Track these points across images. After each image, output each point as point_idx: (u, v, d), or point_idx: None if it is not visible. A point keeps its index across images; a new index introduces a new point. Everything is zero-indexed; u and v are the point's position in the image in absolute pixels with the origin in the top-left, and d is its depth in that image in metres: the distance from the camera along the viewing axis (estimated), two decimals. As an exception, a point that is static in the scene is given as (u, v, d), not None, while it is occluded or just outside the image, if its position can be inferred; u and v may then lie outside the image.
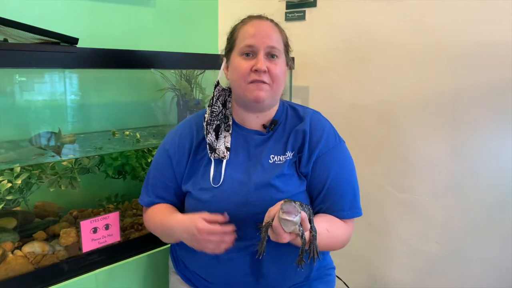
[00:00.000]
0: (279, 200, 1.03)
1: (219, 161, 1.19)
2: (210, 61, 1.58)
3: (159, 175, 1.25)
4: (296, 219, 0.96)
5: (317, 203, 1.20)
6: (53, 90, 1.58)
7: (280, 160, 1.18)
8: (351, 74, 1.95)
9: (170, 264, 1.34)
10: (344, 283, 1.99)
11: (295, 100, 2.08)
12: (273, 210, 1.01)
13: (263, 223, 1.03)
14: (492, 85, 1.56)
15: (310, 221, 1.06)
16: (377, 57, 1.85)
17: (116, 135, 1.65)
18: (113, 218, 1.34)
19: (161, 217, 1.20)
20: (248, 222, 1.13)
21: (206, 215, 1.08)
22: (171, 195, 1.25)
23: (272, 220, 1.01)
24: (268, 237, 1.03)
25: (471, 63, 1.60)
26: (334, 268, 1.36)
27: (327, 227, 1.13)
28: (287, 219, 0.95)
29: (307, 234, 1.03)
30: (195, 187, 1.19)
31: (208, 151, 1.19)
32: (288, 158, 1.18)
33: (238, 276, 1.15)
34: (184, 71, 1.90)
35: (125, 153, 1.45)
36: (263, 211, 1.03)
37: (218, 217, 1.06)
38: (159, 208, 1.24)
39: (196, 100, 1.90)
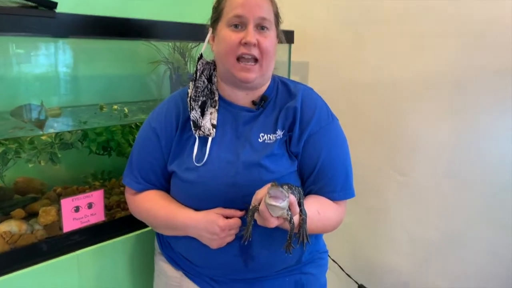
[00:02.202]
0: (269, 181, 0.98)
1: (204, 140, 1.12)
2: (206, 33, 1.49)
3: (146, 155, 1.18)
4: (284, 204, 0.90)
5: (308, 184, 1.14)
6: (39, 60, 1.50)
7: (270, 139, 1.11)
8: (352, 52, 1.85)
9: (156, 245, 1.28)
10: (339, 266, 1.94)
11: (294, 77, 1.99)
12: (260, 193, 0.95)
13: (250, 206, 0.97)
14: (501, 68, 1.47)
15: (300, 204, 1.00)
16: (379, 34, 1.75)
17: (104, 109, 1.58)
18: (97, 196, 1.28)
19: (166, 212, 1.13)
20: (236, 204, 1.07)
21: (222, 210, 1.06)
22: (160, 179, 1.18)
23: (259, 204, 0.94)
24: (255, 221, 0.97)
25: (479, 43, 1.50)
26: (326, 251, 1.30)
27: (318, 209, 1.07)
28: (273, 204, 0.89)
29: (296, 218, 0.97)
30: (180, 167, 1.13)
31: (193, 128, 1.11)
32: (279, 137, 1.11)
33: (226, 259, 1.10)
34: (177, 43, 1.80)
35: (111, 128, 1.37)
36: (252, 192, 0.98)
37: (236, 212, 1.06)
38: (156, 198, 1.17)
39: (190, 74, 1.82)
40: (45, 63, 1.54)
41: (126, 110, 1.51)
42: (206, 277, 1.15)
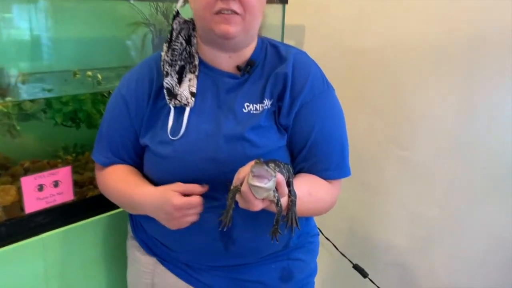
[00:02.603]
0: (254, 157, 0.85)
1: (181, 109, 0.98)
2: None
3: (115, 127, 1.04)
4: (269, 184, 0.77)
5: (299, 161, 1.01)
6: (7, 21, 1.34)
7: (256, 110, 0.97)
8: (353, 14, 1.68)
9: (129, 227, 1.16)
10: (333, 245, 1.83)
11: (288, 42, 1.82)
12: (243, 172, 0.82)
13: (232, 187, 0.84)
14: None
15: (289, 184, 0.87)
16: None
17: (77, 75, 1.42)
18: (63, 173, 1.14)
19: (124, 188, 1.01)
20: (217, 182, 0.94)
21: (179, 186, 0.91)
22: (131, 153, 1.05)
23: (241, 184, 0.81)
24: (237, 203, 0.84)
25: (498, 2, 1.34)
26: (317, 234, 1.18)
27: (309, 190, 0.95)
28: (257, 185, 0.76)
29: (284, 200, 0.84)
30: (153, 140, 0.99)
31: (167, 98, 0.97)
32: (266, 107, 0.97)
33: (205, 242, 0.98)
34: (160, 3, 1.64)
35: (79, 97, 1.22)
36: (235, 169, 0.85)
37: (195, 187, 0.91)
38: (119, 172, 1.04)
39: (172, 38, 1.65)
40: (14, 25, 1.38)
41: (100, 77, 1.36)
42: (181, 263, 1.03)
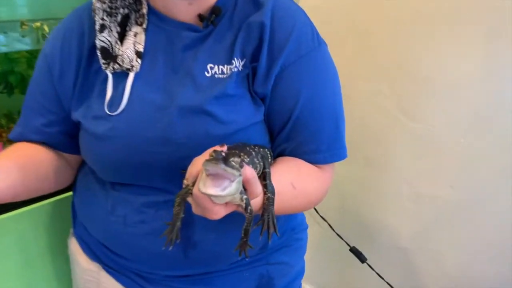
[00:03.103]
0: (219, 137, 0.70)
1: (123, 75, 0.75)
2: None
3: (35, 95, 0.83)
4: (230, 190, 0.55)
5: (280, 141, 0.78)
6: None
7: (222, 73, 0.74)
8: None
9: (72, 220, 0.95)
10: (329, 225, 1.63)
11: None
12: (197, 165, 0.60)
13: (183, 185, 0.62)
14: None
15: (265, 177, 0.65)
16: None
17: (25, 27, 1.18)
18: (-10, 149, 0.92)
19: None
20: (170, 170, 0.72)
21: None
22: (50, 128, 0.83)
23: (193, 184, 0.59)
24: (188, 206, 0.62)
25: None
26: (306, 228, 0.97)
27: (293, 181, 0.73)
28: (211, 194, 0.54)
29: (257, 200, 0.63)
30: (87, 115, 0.77)
31: (102, 61, 0.74)
32: (236, 69, 0.74)
33: (158, 247, 0.76)
34: None
35: (10, 56, 0.98)
36: (193, 153, 0.63)
37: None
38: (13, 149, 0.82)
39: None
40: None
41: (47, 29, 1.11)
42: (131, 272, 0.83)
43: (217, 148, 0.61)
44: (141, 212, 0.77)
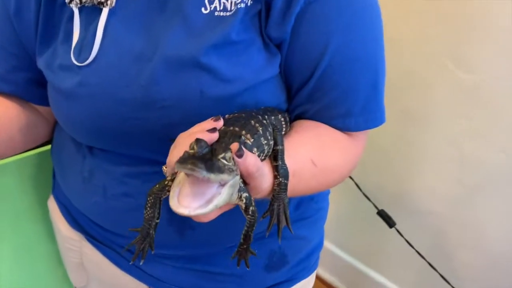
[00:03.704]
0: (218, 99, 0.53)
1: (94, 12, 0.57)
2: None
3: None
4: (218, 201, 0.40)
5: (300, 100, 0.60)
6: None
7: (225, 9, 0.55)
8: None
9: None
10: (357, 185, 1.46)
11: None
12: (179, 148, 0.44)
13: (159, 184, 0.46)
14: None
15: (276, 156, 0.50)
16: None
17: None
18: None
19: None
20: (155, 139, 0.57)
21: None
22: (16, 75, 0.67)
23: (173, 177, 0.44)
24: (167, 210, 0.47)
25: None
26: (328, 193, 0.81)
27: (314, 156, 0.57)
28: (186, 215, 0.39)
29: (265, 187, 0.47)
30: (52, 62, 0.60)
31: None
32: (243, 4, 0.54)
33: None
34: None
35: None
36: (183, 121, 0.52)
37: None
38: None
39: None
40: None
41: None
42: (118, 246, 0.69)
43: (209, 123, 0.44)
44: (123, 183, 0.62)
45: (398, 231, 1.40)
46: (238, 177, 0.41)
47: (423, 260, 1.37)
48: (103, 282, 0.75)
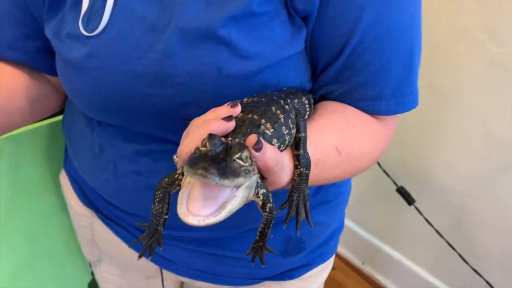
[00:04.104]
0: (237, 77, 0.49)
1: None
2: None
3: (3, 2, 0.62)
4: (232, 207, 0.36)
5: (327, 79, 0.56)
6: None
7: None
8: None
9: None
10: (377, 162, 1.41)
11: None
12: (193, 137, 0.40)
13: (169, 177, 0.43)
14: None
15: (298, 144, 0.46)
16: None
17: None
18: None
19: None
20: (169, 118, 0.53)
21: None
22: (26, 43, 0.63)
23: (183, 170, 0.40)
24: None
25: None
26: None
27: (339, 143, 0.52)
28: (194, 225, 0.36)
29: (285, 176, 0.44)
30: (60, 31, 0.56)
31: None
32: None
33: None
34: None
35: None
36: (199, 100, 0.49)
37: None
38: None
39: None
40: None
41: None
42: (129, 225, 0.67)
43: (225, 109, 0.40)
44: (134, 161, 0.60)
45: (417, 208, 1.36)
46: (255, 177, 0.38)
47: (441, 239, 1.34)
48: (115, 259, 0.74)
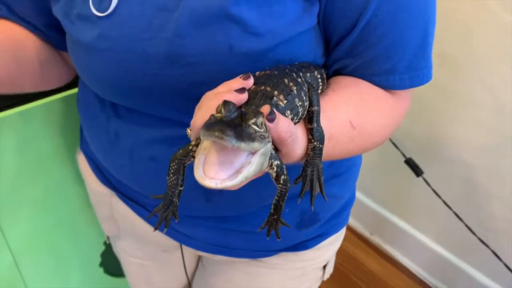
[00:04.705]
0: (249, 54, 0.48)
1: None
2: None
3: None
4: (248, 173, 0.36)
5: (340, 54, 0.55)
6: None
7: None
8: None
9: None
10: (392, 143, 1.41)
11: None
12: (205, 108, 0.41)
13: (183, 148, 0.43)
14: None
15: (311, 118, 0.46)
16: None
17: None
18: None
19: None
20: (182, 98, 0.53)
21: None
22: (38, 19, 0.63)
23: (198, 141, 0.40)
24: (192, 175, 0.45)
25: None
26: None
27: (353, 117, 0.52)
28: (212, 187, 0.35)
29: (298, 149, 0.44)
30: (69, 11, 0.56)
31: None
32: None
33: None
34: None
35: None
36: (211, 79, 0.47)
37: None
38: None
39: None
40: None
41: None
42: (151, 206, 0.69)
43: (238, 82, 0.40)
44: (150, 147, 0.60)
45: (425, 180, 1.37)
46: (270, 144, 0.38)
47: (449, 209, 1.35)
48: (134, 235, 0.76)
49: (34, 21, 0.64)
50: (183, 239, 0.69)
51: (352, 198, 0.79)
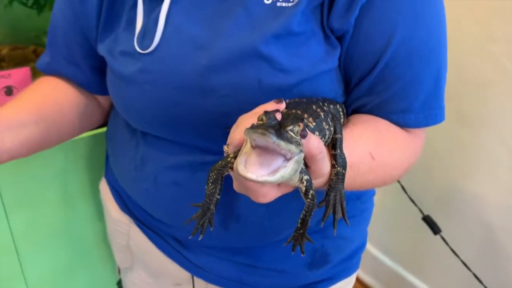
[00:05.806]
0: (276, 89, 0.53)
1: (156, 0, 0.58)
2: None
3: (59, 21, 0.69)
4: (284, 173, 0.39)
5: (360, 93, 0.59)
6: None
7: (287, 1, 0.54)
8: None
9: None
10: (402, 188, 1.42)
11: None
12: (241, 128, 0.44)
13: (223, 160, 0.46)
14: None
15: (335, 145, 0.49)
16: None
17: None
18: (18, 77, 0.81)
19: None
20: (211, 127, 0.57)
21: None
22: (78, 61, 0.70)
23: (236, 154, 0.43)
24: (227, 184, 0.47)
25: None
26: (373, 193, 0.80)
27: (372, 149, 0.56)
28: (254, 180, 0.38)
29: (321, 174, 0.47)
30: (114, 48, 0.62)
31: None
32: None
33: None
34: None
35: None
36: (241, 108, 0.50)
37: None
38: (42, 84, 0.71)
39: None
40: None
41: None
42: (166, 234, 0.70)
43: (271, 105, 0.44)
44: (174, 172, 0.63)
45: (443, 238, 1.35)
46: (303, 154, 0.41)
47: (468, 270, 1.32)
48: (147, 266, 0.77)
49: (80, 63, 0.70)
50: (195, 270, 0.70)
51: (363, 244, 0.80)
